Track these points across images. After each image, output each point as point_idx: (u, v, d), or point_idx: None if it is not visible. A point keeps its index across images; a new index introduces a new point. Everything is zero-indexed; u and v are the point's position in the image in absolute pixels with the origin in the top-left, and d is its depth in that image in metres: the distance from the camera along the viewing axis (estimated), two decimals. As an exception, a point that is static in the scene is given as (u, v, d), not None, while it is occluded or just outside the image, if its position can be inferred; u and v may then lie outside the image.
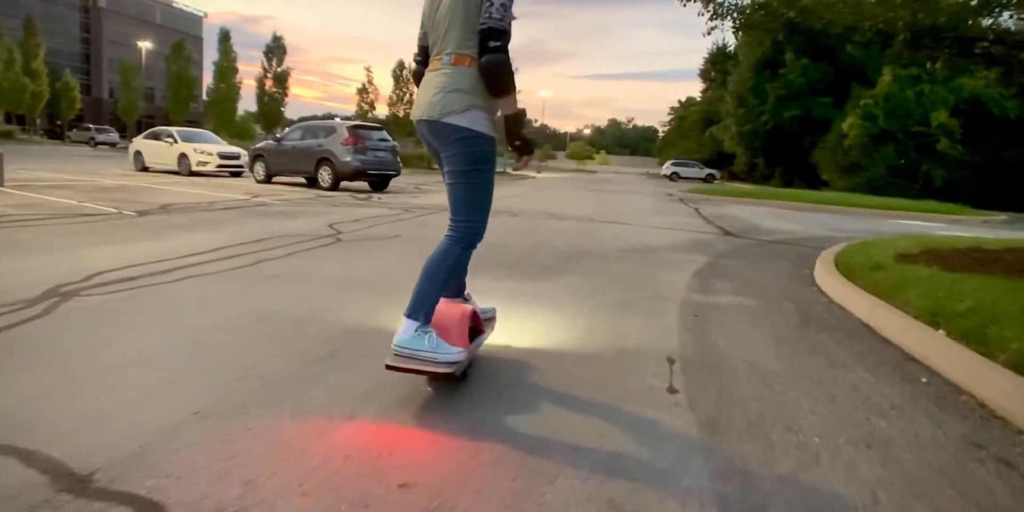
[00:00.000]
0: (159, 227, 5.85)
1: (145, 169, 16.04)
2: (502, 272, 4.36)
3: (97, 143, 34.26)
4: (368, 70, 33.61)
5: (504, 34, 1.93)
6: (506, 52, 1.94)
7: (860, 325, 3.39)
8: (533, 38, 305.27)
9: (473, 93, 2.01)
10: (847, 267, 4.54)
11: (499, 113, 2.08)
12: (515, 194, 15.19)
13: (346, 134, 12.43)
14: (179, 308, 3.05)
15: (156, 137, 16.22)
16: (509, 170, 32.01)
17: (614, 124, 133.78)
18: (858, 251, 5.37)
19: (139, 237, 5.20)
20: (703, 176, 39.14)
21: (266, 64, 31.52)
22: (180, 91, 38.36)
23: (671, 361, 2.60)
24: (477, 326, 2.36)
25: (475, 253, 2.25)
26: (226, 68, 34.18)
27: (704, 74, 51.01)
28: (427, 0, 2.17)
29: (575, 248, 5.97)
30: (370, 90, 33.34)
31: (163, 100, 43.04)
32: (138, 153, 16.36)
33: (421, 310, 2.08)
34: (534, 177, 30.05)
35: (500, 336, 2.71)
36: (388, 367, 2.01)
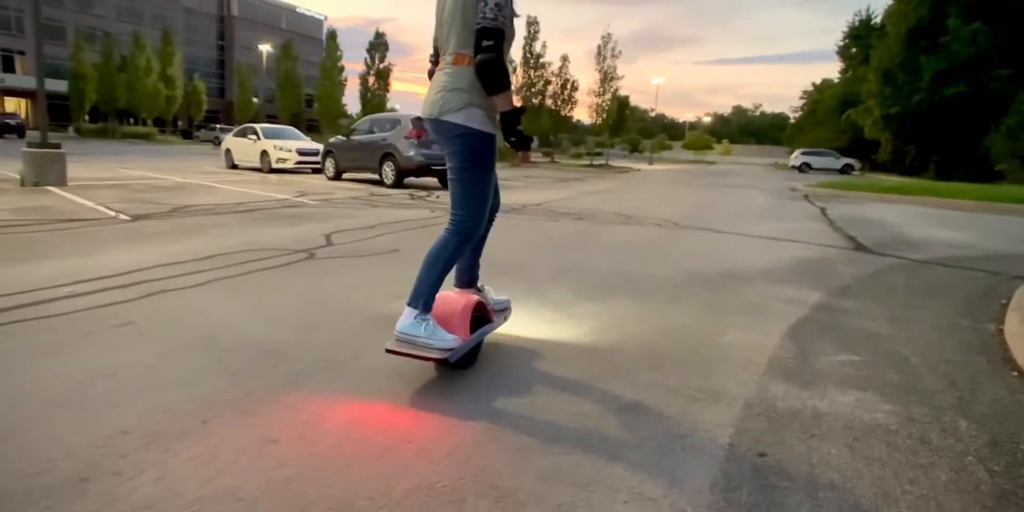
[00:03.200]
0: (121, 237, 4.95)
1: (234, 166, 16.11)
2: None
3: (220, 142, 36.68)
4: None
5: (497, 33, 1.96)
6: (499, 51, 1.97)
7: None
8: (651, 24, 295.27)
9: (471, 91, 2.06)
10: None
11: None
12: (602, 190, 13.40)
13: (410, 127, 11.36)
14: None
15: (244, 134, 16.25)
16: (610, 163, 30.18)
17: (739, 111, 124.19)
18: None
19: (72, 252, 4.29)
20: (839, 167, 34.28)
21: (368, 61, 31.73)
22: (288, 90, 39.97)
23: None
24: (485, 315, 2.42)
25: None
26: (331, 67, 34.95)
27: (843, 51, 44.98)
28: (437, 1, 2.20)
29: (622, 273, 4.27)
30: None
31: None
32: (228, 151, 16.51)
33: (420, 298, 2.13)
34: (639, 170, 27.73)
35: None
36: (388, 351, 2.11)
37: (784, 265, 4.80)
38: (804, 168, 34.96)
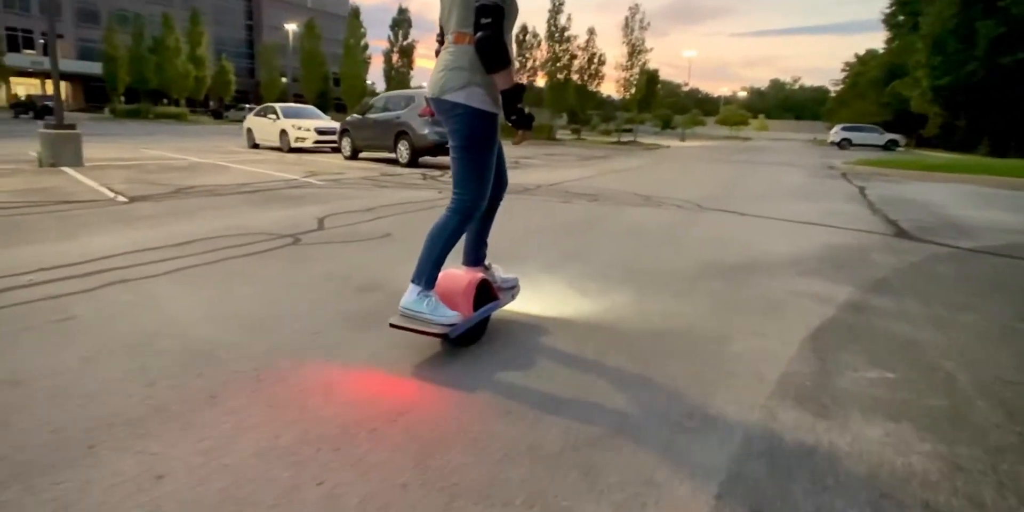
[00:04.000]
0: (109, 220, 4.75)
1: (256, 146, 15.99)
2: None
3: (252, 122, 36.83)
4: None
5: (495, 10, 1.94)
6: (497, 29, 1.95)
7: None
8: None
9: (472, 70, 2.05)
10: None
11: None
12: (626, 169, 12.85)
13: (424, 104, 10.97)
14: None
15: (264, 114, 16.08)
16: (639, 139, 29.27)
17: (776, 85, 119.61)
18: None
19: (54, 236, 4.11)
20: (882, 143, 32.62)
21: (392, 38, 31.12)
22: (312, 69, 39.63)
23: None
24: (490, 293, 2.43)
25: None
26: (353, 45, 34.42)
27: (889, 19, 42.56)
28: None
29: (628, 262, 3.88)
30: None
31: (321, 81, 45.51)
32: (249, 131, 16.37)
33: (423, 275, 2.16)
34: (668, 146, 26.83)
35: None
36: (391, 325, 2.15)
37: (812, 254, 4.33)
38: (844, 144, 33.40)
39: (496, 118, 2.15)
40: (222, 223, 4.79)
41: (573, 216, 5.92)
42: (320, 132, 14.55)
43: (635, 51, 26.70)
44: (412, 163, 11.23)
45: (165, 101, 41.14)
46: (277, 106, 15.90)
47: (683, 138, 41.13)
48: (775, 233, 5.23)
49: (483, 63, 2.00)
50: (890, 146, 32.24)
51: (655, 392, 1.95)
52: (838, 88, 58.52)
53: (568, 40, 27.27)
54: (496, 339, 2.43)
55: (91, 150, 12.41)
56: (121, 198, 5.95)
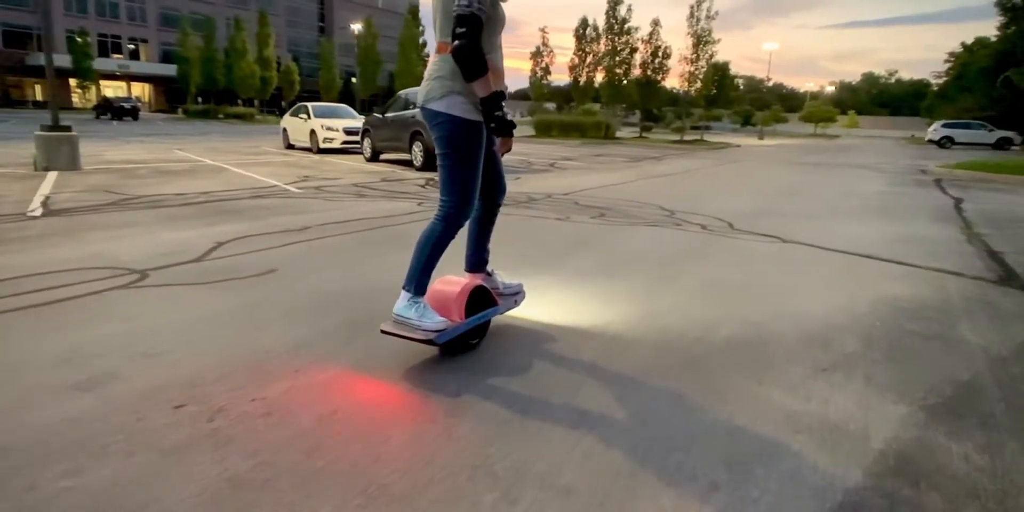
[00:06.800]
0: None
1: (291, 146, 15.58)
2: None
3: (307, 120, 37.24)
4: (543, 31, 30.40)
5: (469, 20, 1.96)
6: (472, 38, 1.97)
7: None
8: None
9: (452, 79, 2.10)
10: None
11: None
12: (672, 173, 11.27)
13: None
14: None
15: (297, 114, 15.61)
16: (707, 138, 27.05)
17: (869, 79, 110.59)
18: None
19: None
20: (991, 141, 28.68)
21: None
22: (368, 67, 39.49)
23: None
24: (488, 299, 2.41)
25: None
26: (408, 43, 33.83)
27: (1004, 2, 37.61)
28: None
29: (544, 339, 2.59)
30: (545, 53, 30.05)
31: (389, 80, 45.83)
32: (285, 131, 16.00)
33: (412, 282, 2.19)
34: (738, 146, 24.56)
35: None
36: (382, 331, 2.17)
37: (857, 320, 2.84)
38: (945, 142, 29.64)
39: (480, 126, 2.15)
40: (87, 250, 3.87)
41: (552, 241, 4.63)
42: (348, 132, 13.84)
43: (700, 42, 24.51)
44: (427, 166, 10.18)
45: (240, 102, 42.46)
46: (309, 105, 15.38)
47: (761, 136, 38.10)
48: (816, 275, 3.74)
49: (461, 72, 2.01)
50: (1001, 145, 28.30)
51: None
52: (940, 81, 52.85)
53: (628, 32, 25.44)
54: None
55: (118, 152, 12.28)
56: (38, 212, 5.23)
